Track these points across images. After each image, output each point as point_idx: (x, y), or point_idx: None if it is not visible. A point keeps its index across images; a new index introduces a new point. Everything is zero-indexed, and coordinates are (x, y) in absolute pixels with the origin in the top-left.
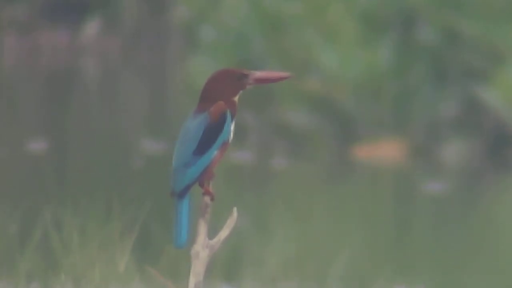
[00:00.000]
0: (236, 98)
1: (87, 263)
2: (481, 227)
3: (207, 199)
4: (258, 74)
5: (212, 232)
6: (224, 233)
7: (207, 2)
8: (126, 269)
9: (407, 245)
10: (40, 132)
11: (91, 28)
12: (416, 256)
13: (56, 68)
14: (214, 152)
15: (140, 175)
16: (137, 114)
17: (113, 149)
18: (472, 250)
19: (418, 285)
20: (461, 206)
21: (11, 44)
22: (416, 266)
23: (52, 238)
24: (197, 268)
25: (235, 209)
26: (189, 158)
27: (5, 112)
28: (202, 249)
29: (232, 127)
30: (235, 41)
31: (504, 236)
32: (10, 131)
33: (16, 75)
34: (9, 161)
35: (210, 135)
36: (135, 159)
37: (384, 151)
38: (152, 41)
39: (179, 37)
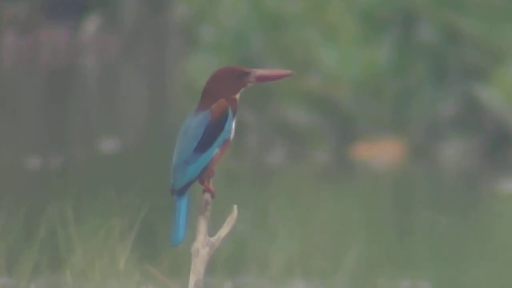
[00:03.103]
0: (237, 96)
1: (87, 261)
2: (482, 226)
3: (207, 196)
4: (260, 72)
5: (213, 230)
6: (224, 231)
7: (207, 1)
8: (126, 266)
9: (411, 242)
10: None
11: (91, 26)
12: (420, 252)
13: (56, 66)
14: (215, 150)
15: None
16: (137, 112)
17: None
18: (474, 248)
19: (422, 281)
20: (462, 205)
21: (11, 42)
22: (420, 262)
23: (55, 235)
24: (197, 266)
25: (235, 206)
26: (189, 156)
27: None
28: (202, 247)
29: (233, 125)
30: (235, 39)
31: (504, 235)
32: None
33: (16, 73)
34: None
35: (212, 133)
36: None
37: (384, 150)
38: (152, 39)
39: (179, 35)
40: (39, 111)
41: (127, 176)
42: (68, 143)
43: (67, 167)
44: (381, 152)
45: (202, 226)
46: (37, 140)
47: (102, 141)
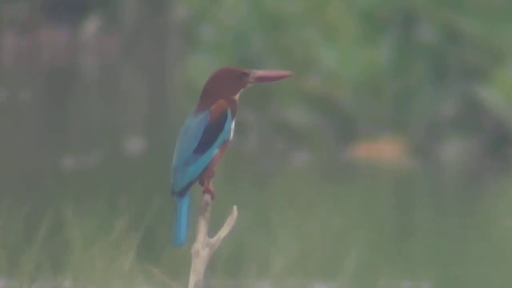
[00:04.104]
0: (236, 97)
1: (91, 262)
2: (482, 225)
3: (207, 197)
4: (259, 72)
5: (213, 231)
6: (224, 232)
7: (207, 1)
8: (130, 268)
9: (411, 242)
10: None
11: (91, 26)
12: (420, 253)
13: (56, 66)
14: (214, 151)
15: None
16: (137, 112)
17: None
18: (474, 248)
19: (423, 282)
20: (463, 205)
21: (11, 42)
22: (420, 263)
23: (56, 236)
24: (197, 267)
25: (235, 207)
26: (189, 157)
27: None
28: (202, 247)
29: (233, 126)
30: (235, 39)
31: (504, 235)
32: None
33: (16, 73)
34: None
35: (211, 133)
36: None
37: (384, 150)
38: (152, 39)
39: (179, 36)
40: (39, 111)
41: (127, 177)
42: (69, 144)
43: (69, 167)
44: (381, 152)
45: (202, 227)
46: (37, 141)
47: (102, 142)
